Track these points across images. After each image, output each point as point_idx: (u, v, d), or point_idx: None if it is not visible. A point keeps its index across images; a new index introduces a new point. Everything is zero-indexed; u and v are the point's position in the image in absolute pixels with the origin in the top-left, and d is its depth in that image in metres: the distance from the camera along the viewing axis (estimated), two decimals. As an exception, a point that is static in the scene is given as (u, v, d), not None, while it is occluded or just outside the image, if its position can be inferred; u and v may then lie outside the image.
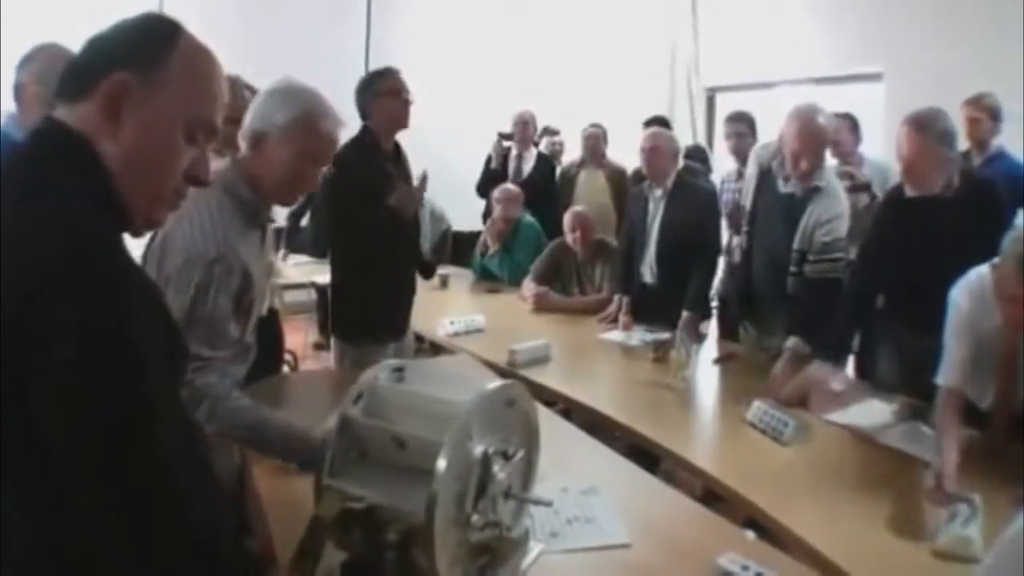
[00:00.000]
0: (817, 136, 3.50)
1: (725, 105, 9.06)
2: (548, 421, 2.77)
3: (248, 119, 2.26)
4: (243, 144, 2.26)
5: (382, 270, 3.61)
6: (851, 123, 5.16)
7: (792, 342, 3.37)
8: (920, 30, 6.61)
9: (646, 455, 2.97)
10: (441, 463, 1.38)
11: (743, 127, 5.54)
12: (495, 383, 1.53)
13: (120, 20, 1.21)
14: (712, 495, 2.63)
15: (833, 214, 3.50)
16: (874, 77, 7.16)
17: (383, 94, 3.60)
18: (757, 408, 2.97)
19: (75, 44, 1.23)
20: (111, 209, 1.14)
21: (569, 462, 2.43)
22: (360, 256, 3.66)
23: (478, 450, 1.49)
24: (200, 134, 1.23)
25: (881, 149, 5.64)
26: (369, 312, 3.66)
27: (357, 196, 3.54)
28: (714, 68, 9.22)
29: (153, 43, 1.19)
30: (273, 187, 2.25)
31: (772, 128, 5.18)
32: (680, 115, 9.21)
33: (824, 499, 2.41)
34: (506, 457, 1.56)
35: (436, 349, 4.41)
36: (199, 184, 1.26)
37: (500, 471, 1.53)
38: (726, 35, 8.94)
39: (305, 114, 2.22)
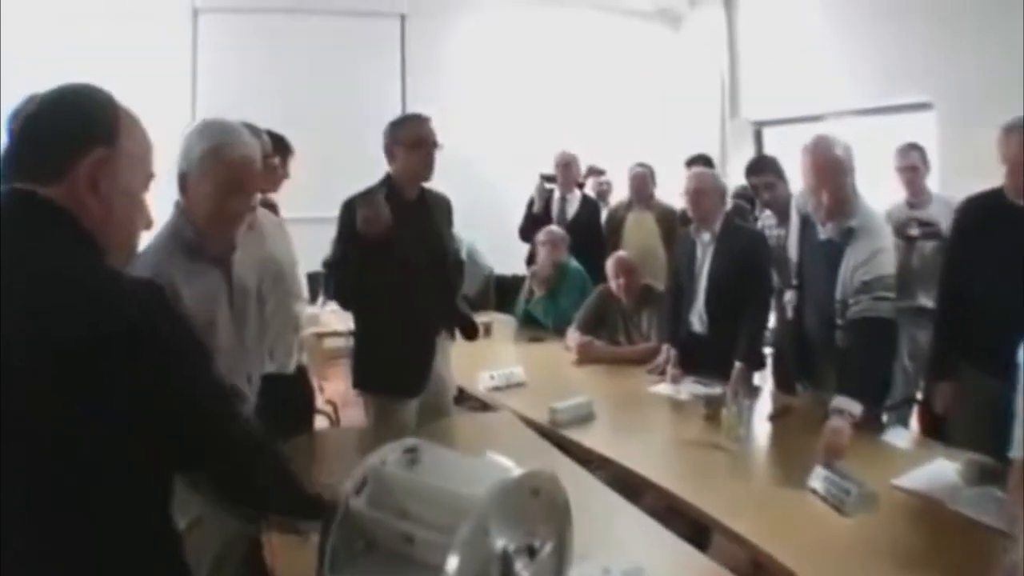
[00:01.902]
0: (834, 168, 3.24)
1: (772, 139, 8.87)
2: (590, 490, 2.66)
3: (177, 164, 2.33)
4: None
5: (393, 324, 3.44)
6: (922, 155, 4.82)
7: (838, 401, 3.03)
8: (969, 57, 6.37)
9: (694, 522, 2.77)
10: (451, 564, 1.19)
11: (771, 177, 4.88)
12: (517, 472, 1.32)
13: (56, 98, 1.35)
14: (760, 567, 2.41)
15: (870, 252, 3.23)
16: (924, 107, 6.91)
17: (403, 143, 3.46)
18: (819, 474, 2.74)
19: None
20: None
21: (612, 536, 2.26)
22: (370, 307, 3.51)
23: (498, 546, 1.30)
24: (147, 185, 1.43)
25: (936, 180, 5.34)
26: (381, 366, 3.51)
27: (363, 245, 3.37)
28: (760, 102, 9.02)
29: (106, 115, 1.35)
30: (205, 223, 2.31)
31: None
32: (729, 152, 9.00)
33: None
34: (531, 553, 1.36)
35: (484, 405, 4.21)
36: (147, 228, 1.47)
37: (523, 569, 1.33)
38: (771, 68, 8.74)
39: (215, 145, 2.28)
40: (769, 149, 8.75)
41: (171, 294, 2.06)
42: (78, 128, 1.32)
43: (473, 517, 1.22)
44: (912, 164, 4.77)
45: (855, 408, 2.99)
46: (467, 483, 1.32)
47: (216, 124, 2.34)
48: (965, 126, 5.37)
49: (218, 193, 2.28)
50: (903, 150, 4.86)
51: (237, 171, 2.31)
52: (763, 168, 4.98)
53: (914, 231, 4.26)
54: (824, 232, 3.39)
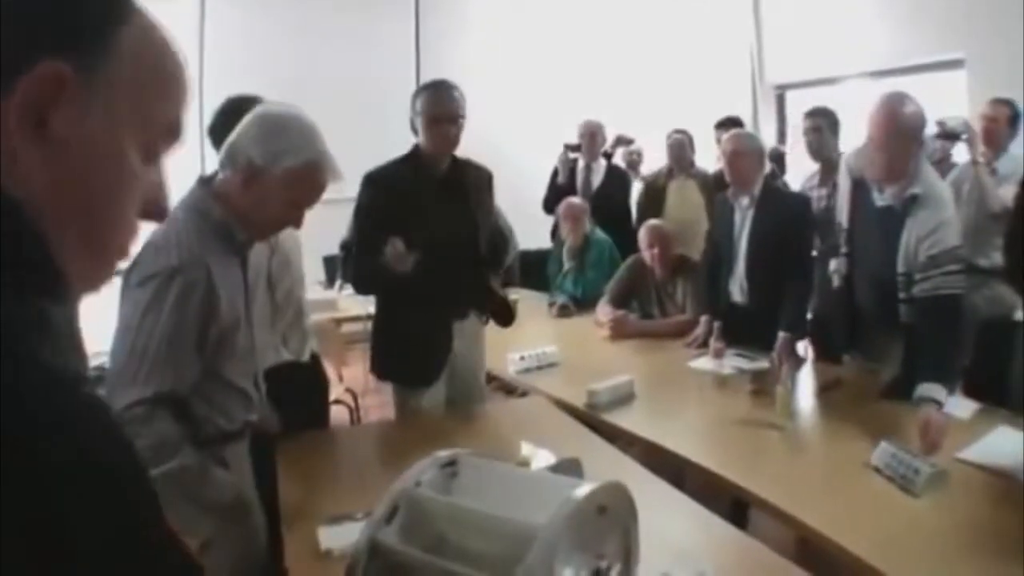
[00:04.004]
0: (903, 129, 3.00)
1: (795, 102, 8.61)
2: (638, 479, 2.43)
3: (240, 141, 2.10)
4: (227, 166, 2.12)
5: (411, 308, 3.23)
6: (1011, 112, 4.51)
7: (924, 389, 2.82)
8: (1002, 9, 6.05)
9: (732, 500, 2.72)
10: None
11: (820, 121, 4.81)
12: (581, 491, 1.08)
13: None
14: (805, 546, 2.33)
15: (935, 224, 3.01)
16: (955, 64, 6.62)
17: (422, 115, 3.24)
18: (884, 451, 2.54)
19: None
20: (37, 276, 0.72)
21: (669, 535, 2.05)
22: (389, 290, 3.31)
23: (564, 578, 1.06)
24: (163, 147, 0.83)
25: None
26: (397, 353, 3.31)
27: (381, 222, 3.17)
28: (783, 64, 8.74)
29: (95, 15, 0.76)
30: (254, 223, 2.14)
31: (848, 124, 4.77)
32: (758, 115, 8.75)
33: (970, 567, 1.99)
34: (598, 576, 1.13)
35: (508, 390, 4.01)
36: (159, 218, 0.85)
37: (592, 602, 1.10)
38: (794, 29, 8.45)
39: (310, 166, 2.12)
40: (792, 114, 8.53)
41: (207, 291, 1.95)
42: (29, 21, 0.73)
43: (536, 555, 0.98)
44: (993, 115, 4.49)
45: (941, 394, 2.80)
46: (520, 506, 1.08)
47: (311, 134, 2.16)
48: (998, 84, 5.10)
49: (289, 208, 2.15)
50: (992, 102, 4.60)
51: (317, 193, 2.19)
52: (818, 112, 4.88)
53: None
54: (882, 198, 3.17)
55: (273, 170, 2.06)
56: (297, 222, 2.22)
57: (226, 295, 2.01)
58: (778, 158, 6.07)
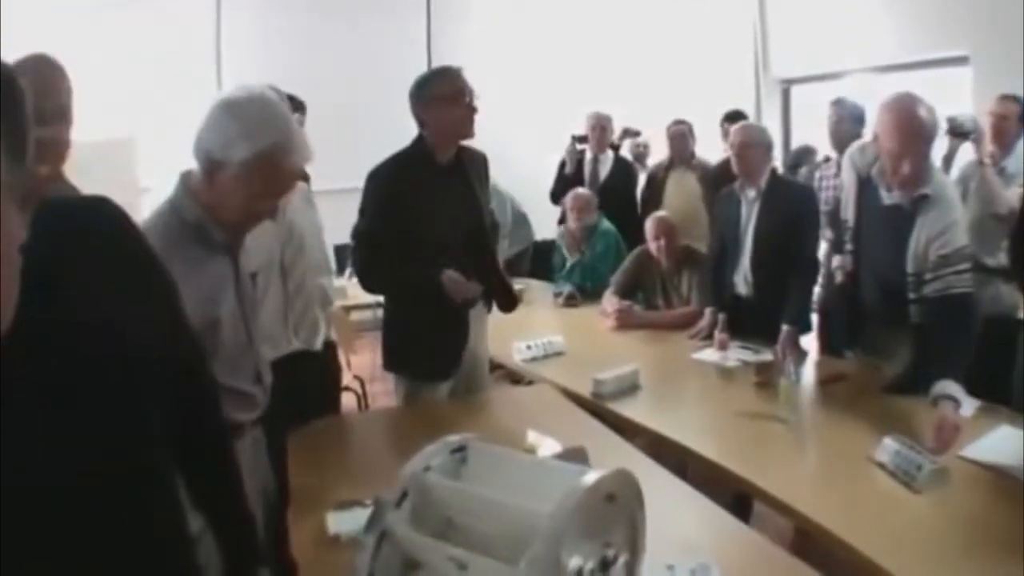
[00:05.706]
0: (919, 131, 2.96)
1: (799, 96, 8.61)
2: (644, 469, 2.45)
3: (200, 133, 1.94)
4: (195, 160, 1.98)
5: (423, 303, 3.19)
6: (1021, 108, 4.45)
7: (942, 387, 2.77)
8: (1008, 6, 6.00)
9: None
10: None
11: (842, 111, 4.86)
12: (590, 478, 1.10)
13: None
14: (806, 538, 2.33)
15: (945, 224, 3.00)
16: (960, 61, 6.57)
17: (438, 98, 3.14)
18: (888, 446, 2.54)
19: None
20: None
21: (673, 526, 2.04)
22: None
23: (572, 566, 1.08)
24: None
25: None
26: (412, 347, 3.28)
27: (391, 217, 3.13)
28: (788, 58, 8.70)
29: None
30: (225, 220, 1.98)
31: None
32: (763, 109, 8.73)
33: (970, 564, 1.99)
34: (605, 566, 1.15)
35: (514, 379, 4.02)
36: None
37: (598, 589, 1.12)
38: (800, 23, 8.42)
39: (271, 150, 1.92)
40: (797, 108, 8.57)
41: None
42: None
43: (543, 542, 1.00)
44: (1003, 112, 4.45)
45: (959, 392, 2.76)
46: (529, 493, 1.10)
47: (272, 117, 1.97)
48: (1003, 81, 5.09)
49: (256, 200, 1.99)
50: (1001, 98, 4.57)
51: (286, 183, 2.05)
52: (841, 102, 4.95)
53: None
54: (889, 197, 3.13)
55: (229, 164, 1.91)
56: (271, 210, 2.08)
57: (195, 297, 1.73)
58: (805, 153, 6.08)
